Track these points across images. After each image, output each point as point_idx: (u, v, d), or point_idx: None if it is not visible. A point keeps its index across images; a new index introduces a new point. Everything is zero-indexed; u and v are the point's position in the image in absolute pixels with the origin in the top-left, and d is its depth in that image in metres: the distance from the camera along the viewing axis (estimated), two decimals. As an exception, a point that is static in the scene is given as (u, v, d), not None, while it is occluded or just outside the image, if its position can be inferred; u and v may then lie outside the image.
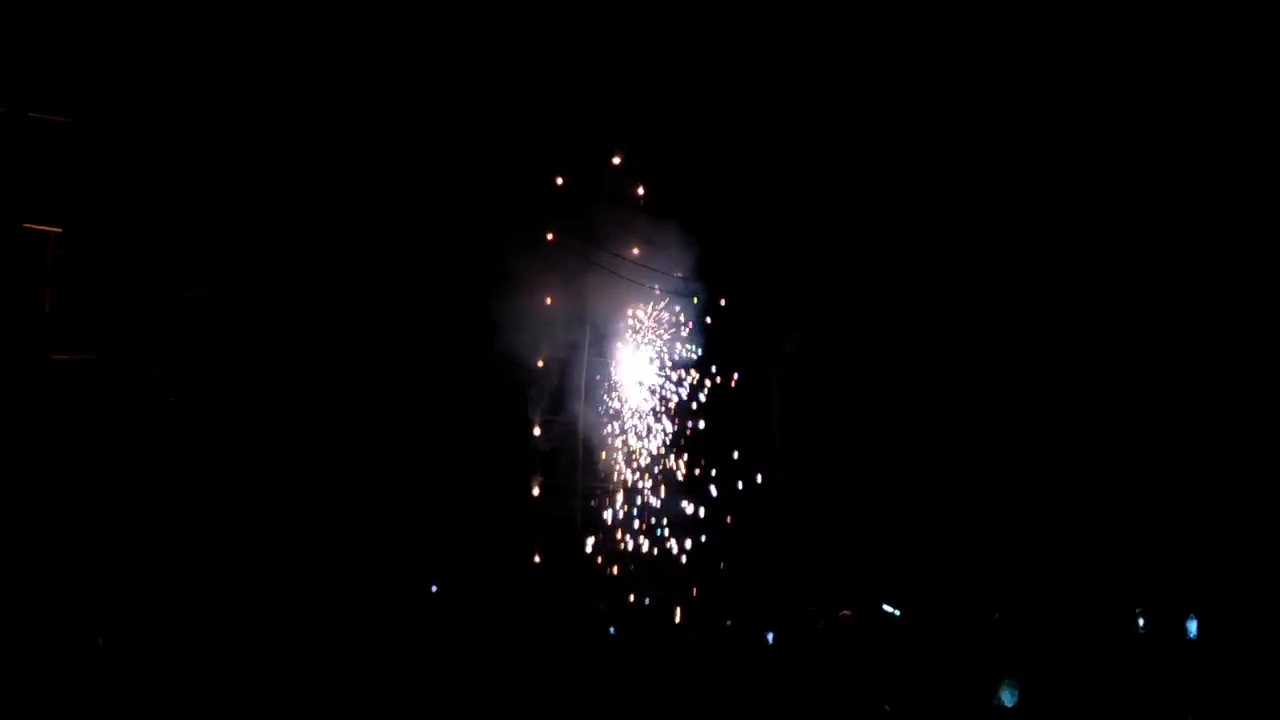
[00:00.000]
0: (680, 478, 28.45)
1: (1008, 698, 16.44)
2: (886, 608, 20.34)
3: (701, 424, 28.74)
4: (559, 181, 27.61)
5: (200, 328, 26.48)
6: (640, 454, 28.63)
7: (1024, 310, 28.28)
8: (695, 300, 28.25)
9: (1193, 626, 18.20)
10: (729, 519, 27.69)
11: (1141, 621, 19.00)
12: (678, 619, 24.39)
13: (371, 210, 27.13)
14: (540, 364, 28.26)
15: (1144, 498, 26.17)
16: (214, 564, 23.69)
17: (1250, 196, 27.16)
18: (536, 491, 28.30)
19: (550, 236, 27.15)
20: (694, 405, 28.72)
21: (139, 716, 17.38)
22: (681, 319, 28.64)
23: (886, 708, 15.74)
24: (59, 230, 24.74)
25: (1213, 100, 27.50)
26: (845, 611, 20.25)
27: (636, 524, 28.50)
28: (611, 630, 18.93)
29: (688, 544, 28.13)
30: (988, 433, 28.45)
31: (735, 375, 28.48)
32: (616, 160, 27.02)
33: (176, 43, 25.92)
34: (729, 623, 23.00)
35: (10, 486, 22.38)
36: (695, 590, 27.83)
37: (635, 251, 27.61)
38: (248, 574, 23.42)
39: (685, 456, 28.62)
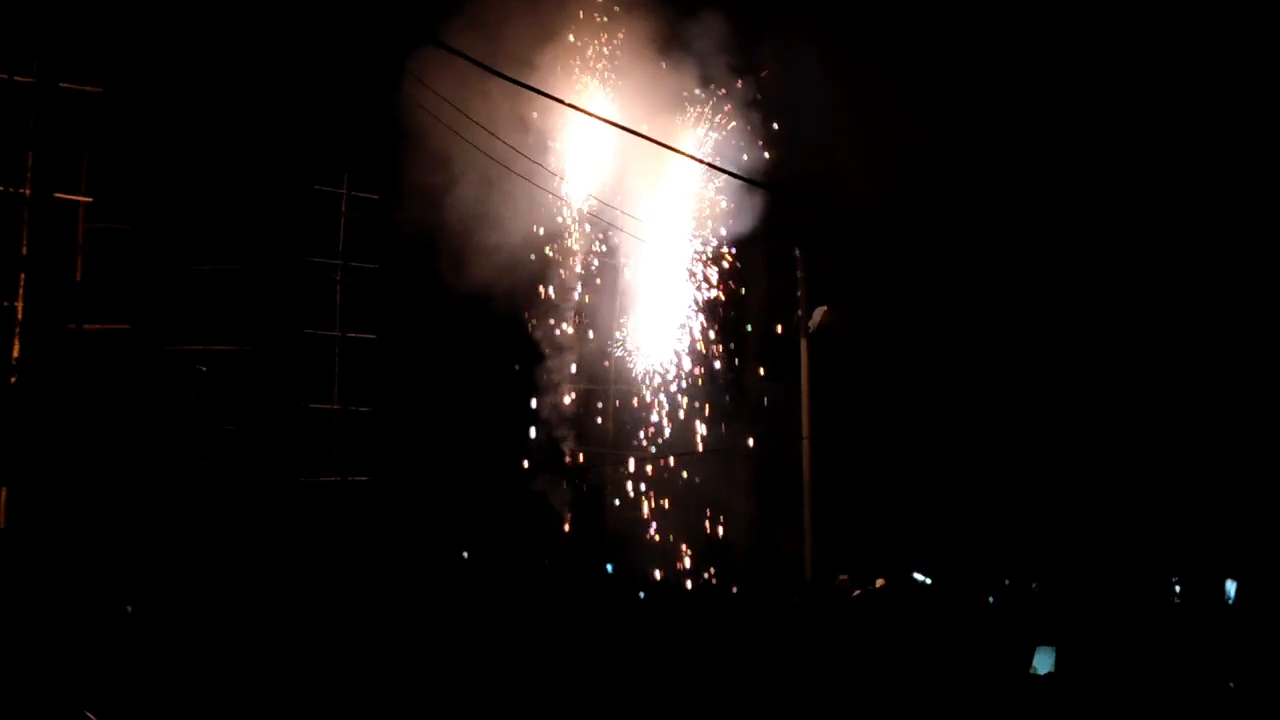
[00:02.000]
0: (706, 448, 28.41)
1: (1043, 664, 16.17)
2: (918, 576, 20.10)
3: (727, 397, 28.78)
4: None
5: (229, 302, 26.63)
6: (668, 424, 28.59)
7: (1046, 279, 27.96)
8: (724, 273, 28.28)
9: (1231, 589, 17.78)
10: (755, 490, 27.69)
11: (1178, 588, 18.65)
12: (702, 585, 24.30)
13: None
14: (570, 329, 28.22)
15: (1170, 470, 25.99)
16: (234, 535, 23.71)
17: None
18: (568, 459, 28.26)
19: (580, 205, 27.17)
20: (721, 378, 28.69)
21: (163, 676, 17.22)
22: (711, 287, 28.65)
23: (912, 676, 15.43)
24: (89, 200, 24.75)
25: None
26: (879, 580, 20.01)
27: (662, 494, 28.51)
28: (640, 595, 18.74)
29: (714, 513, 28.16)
30: (1015, 405, 28.28)
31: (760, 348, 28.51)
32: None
33: (204, 15, 26.00)
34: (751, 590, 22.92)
35: (36, 458, 22.30)
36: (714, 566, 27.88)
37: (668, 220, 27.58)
38: (263, 546, 23.42)
39: (712, 428, 28.61)
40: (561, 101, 15.71)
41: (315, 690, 15.79)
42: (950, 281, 28.95)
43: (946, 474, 28.74)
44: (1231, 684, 15.99)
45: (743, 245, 29.89)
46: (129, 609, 19.79)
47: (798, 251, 25.44)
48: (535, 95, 15.85)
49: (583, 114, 18.59)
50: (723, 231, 28.92)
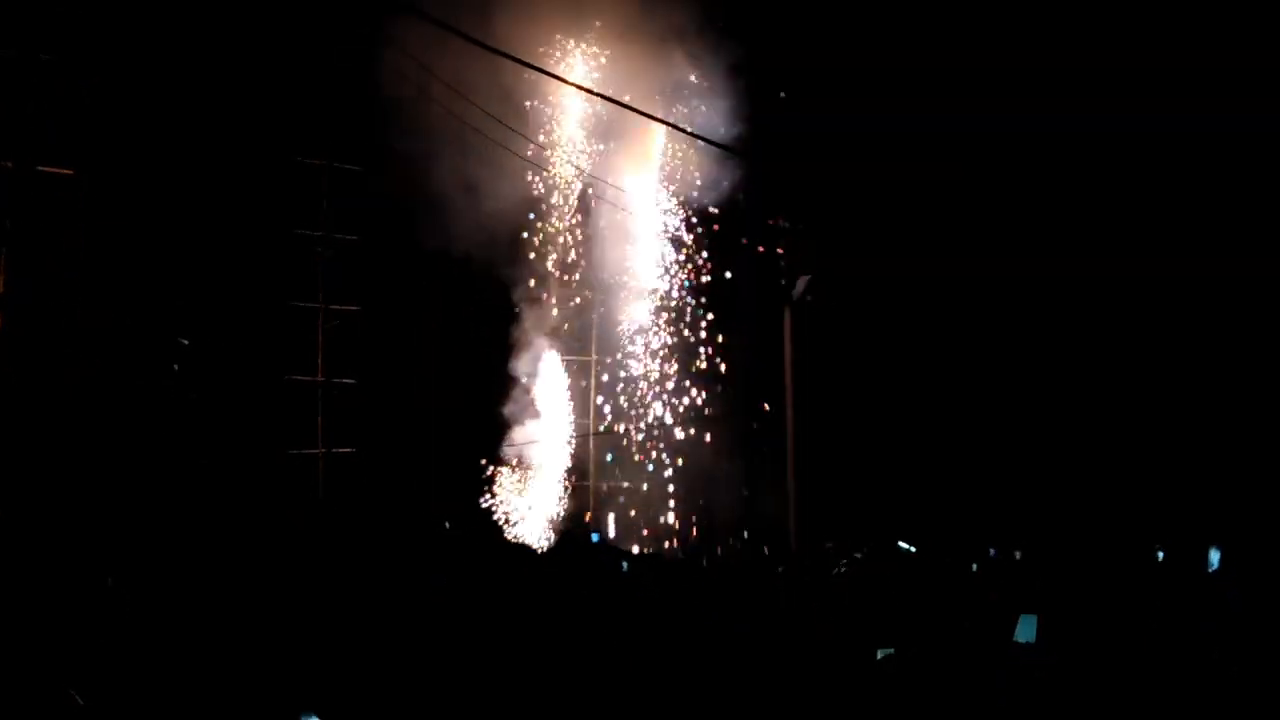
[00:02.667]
0: (691, 416, 28.44)
1: (1025, 633, 16.16)
2: (902, 545, 20.12)
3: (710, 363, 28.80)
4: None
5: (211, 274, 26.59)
6: (651, 392, 28.62)
7: (1030, 250, 27.95)
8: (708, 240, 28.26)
9: (1215, 557, 17.75)
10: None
11: (1161, 554, 18.66)
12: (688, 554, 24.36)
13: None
14: (554, 299, 28.25)
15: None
16: (217, 510, 23.69)
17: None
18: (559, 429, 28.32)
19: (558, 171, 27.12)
20: (705, 347, 28.70)
21: (141, 645, 17.15)
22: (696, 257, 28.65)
23: (879, 654, 15.24)
24: (71, 173, 24.69)
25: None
26: (863, 549, 20.07)
27: (647, 462, 28.57)
28: (624, 565, 18.72)
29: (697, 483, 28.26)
30: (997, 372, 28.33)
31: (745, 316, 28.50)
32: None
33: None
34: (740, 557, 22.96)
35: (24, 437, 22.28)
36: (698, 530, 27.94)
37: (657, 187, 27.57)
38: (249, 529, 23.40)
39: (696, 394, 28.63)
40: (539, 70, 15.58)
41: (300, 667, 15.75)
42: (936, 251, 28.94)
43: (931, 442, 28.79)
44: (1216, 654, 15.97)
45: (728, 212, 29.88)
46: (109, 581, 19.76)
47: (782, 220, 25.37)
48: (517, 62, 15.65)
49: (563, 83, 18.51)
50: (705, 197, 28.92)
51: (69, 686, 13.62)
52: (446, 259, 27.56)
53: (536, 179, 28.06)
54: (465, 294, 28.80)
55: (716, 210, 28.93)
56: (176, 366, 25.31)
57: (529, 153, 26.85)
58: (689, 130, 24.54)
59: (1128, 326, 27.84)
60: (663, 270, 29.09)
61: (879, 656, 15.00)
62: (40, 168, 23.66)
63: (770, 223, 25.11)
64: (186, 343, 25.45)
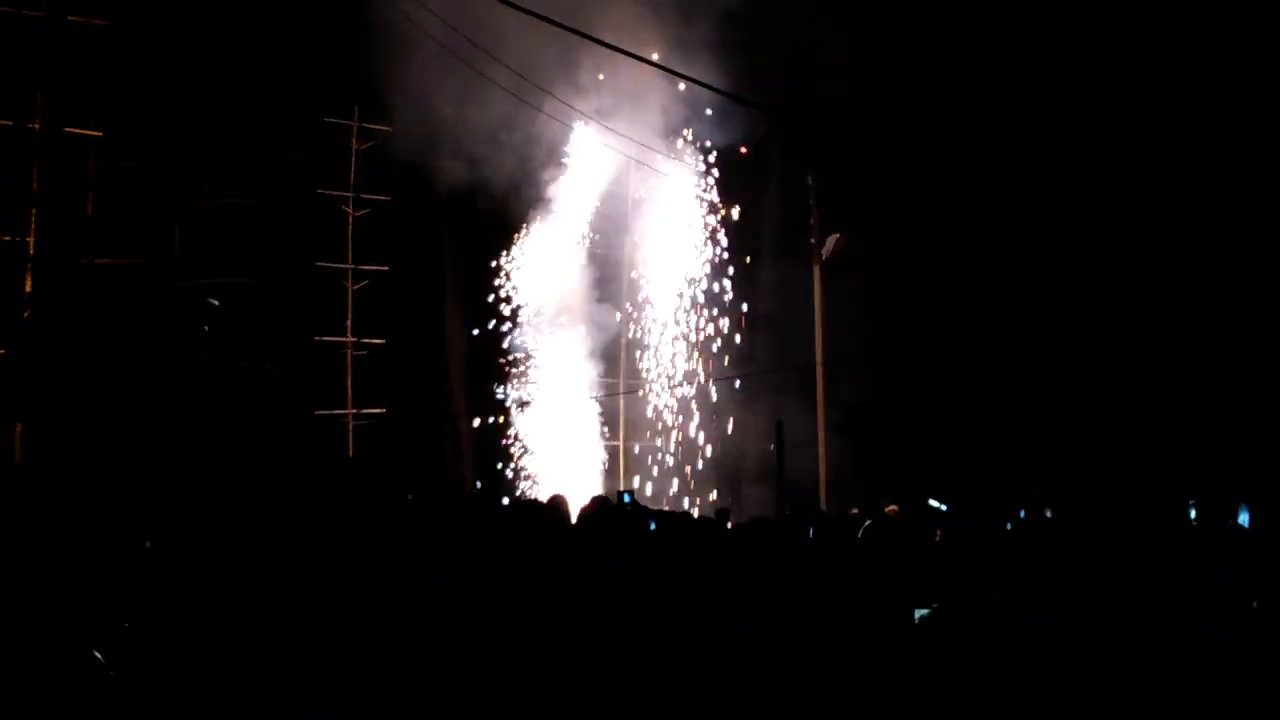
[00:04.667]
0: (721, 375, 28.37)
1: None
2: (933, 503, 19.91)
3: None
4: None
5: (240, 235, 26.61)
6: (679, 350, 28.51)
7: (1062, 200, 27.55)
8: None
9: (1245, 515, 17.53)
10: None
11: (1193, 513, 18.41)
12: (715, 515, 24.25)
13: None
14: (583, 258, 28.16)
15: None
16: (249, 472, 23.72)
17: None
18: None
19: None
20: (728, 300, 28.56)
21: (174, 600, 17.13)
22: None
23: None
24: (100, 135, 24.66)
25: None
26: (891, 507, 19.83)
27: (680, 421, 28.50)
28: (652, 526, 18.56)
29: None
30: (1030, 329, 28.04)
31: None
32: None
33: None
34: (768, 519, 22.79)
35: (45, 391, 22.25)
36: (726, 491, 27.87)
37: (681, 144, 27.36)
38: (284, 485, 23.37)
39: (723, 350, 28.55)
40: (553, 22, 15.36)
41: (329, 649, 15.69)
42: (964, 205, 28.66)
43: (964, 399, 28.59)
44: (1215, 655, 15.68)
45: (758, 169, 29.70)
46: (147, 545, 19.76)
47: (810, 179, 25.22)
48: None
49: (581, 37, 18.27)
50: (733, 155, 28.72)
51: (93, 648, 13.66)
52: (473, 216, 27.57)
53: (566, 139, 27.94)
54: (491, 251, 28.81)
55: (743, 162, 28.70)
56: (206, 328, 25.39)
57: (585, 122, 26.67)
58: (729, 92, 24.28)
59: (1166, 275, 27.46)
60: (691, 225, 28.95)
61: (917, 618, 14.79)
62: (67, 129, 23.54)
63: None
64: (216, 304, 25.49)
